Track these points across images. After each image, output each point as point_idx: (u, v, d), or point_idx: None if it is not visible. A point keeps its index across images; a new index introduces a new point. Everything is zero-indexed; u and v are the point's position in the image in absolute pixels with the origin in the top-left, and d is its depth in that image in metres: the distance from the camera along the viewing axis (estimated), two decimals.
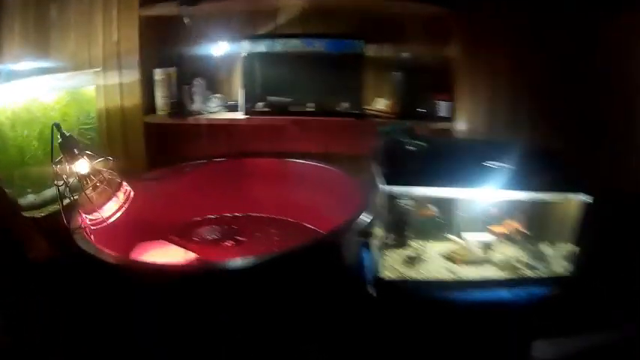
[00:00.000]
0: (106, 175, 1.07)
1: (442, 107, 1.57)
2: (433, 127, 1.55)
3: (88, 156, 1.06)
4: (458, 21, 1.51)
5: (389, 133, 1.30)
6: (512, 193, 1.04)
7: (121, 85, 1.61)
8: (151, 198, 1.43)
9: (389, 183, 1.04)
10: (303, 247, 1.04)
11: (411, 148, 1.19)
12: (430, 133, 1.53)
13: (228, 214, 1.62)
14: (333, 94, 1.58)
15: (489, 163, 1.06)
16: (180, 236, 1.45)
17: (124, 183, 1.13)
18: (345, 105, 1.57)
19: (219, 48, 1.66)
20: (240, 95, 1.62)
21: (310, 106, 1.58)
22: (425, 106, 1.58)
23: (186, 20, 1.57)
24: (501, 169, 1.04)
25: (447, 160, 1.15)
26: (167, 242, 1.39)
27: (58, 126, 1.03)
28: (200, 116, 1.62)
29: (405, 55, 1.61)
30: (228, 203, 1.62)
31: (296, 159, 1.60)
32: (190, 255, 1.31)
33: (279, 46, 1.56)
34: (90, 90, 1.54)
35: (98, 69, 1.57)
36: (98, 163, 1.07)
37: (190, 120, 1.60)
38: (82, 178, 1.04)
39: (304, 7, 1.66)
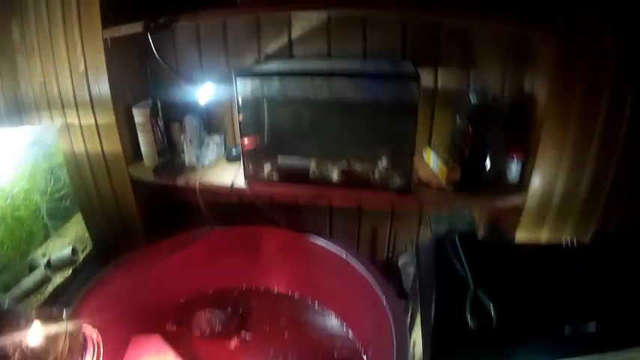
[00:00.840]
0: (65, 343, 0.84)
1: (513, 168, 1.16)
2: (500, 205, 1.15)
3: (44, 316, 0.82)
4: (546, 44, 1.03)
5: (442, 238, 0.92)
6: None
7: (96, 127, 1.28)
8: (145, 275, 1.21)
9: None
10: None
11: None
12: (496, 217, 1.15)
13: (235, 288, 1.39)
14: (369, 158, 1.17)
15: None
16: (179, 324, 1.25)
17: (91, 336, 0.90)
18: (383, 172, 1.17)
19: (208, 88, 1.26)
20: (239, 152, 1.24)
21: (336, 175, 1.20)
22: (493, 167, 1.16)
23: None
24: None
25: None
26: (162, 341, 1.20)
27: None
28: (193, 174, 1.28)
29: (473, 90, 1.15)
30: (234, 275, 1.38)
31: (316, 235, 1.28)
32: None
33: (293, 87, 1.13)
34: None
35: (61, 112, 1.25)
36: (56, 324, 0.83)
37: (180, 181, 1.28)
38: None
39: (329, 18, 1.19)
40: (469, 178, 1.14)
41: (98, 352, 0.90)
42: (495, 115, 1.11)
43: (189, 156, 1.29)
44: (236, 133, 1.40)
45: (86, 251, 1.38)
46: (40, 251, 1.26)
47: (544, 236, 1.15)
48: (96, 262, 1.36)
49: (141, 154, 1.35)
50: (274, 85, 1.14)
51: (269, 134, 1.23)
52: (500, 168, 1.17)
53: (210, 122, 1.40)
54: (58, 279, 1.24)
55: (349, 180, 1.19)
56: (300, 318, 1.29)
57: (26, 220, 1.18)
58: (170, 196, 1.43)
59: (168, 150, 1.36)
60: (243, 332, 1.22)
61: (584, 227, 1.11)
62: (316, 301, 1.32)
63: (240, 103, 1.15)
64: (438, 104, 1.13)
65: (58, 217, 1.34)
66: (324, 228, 1.50)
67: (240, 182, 1.22)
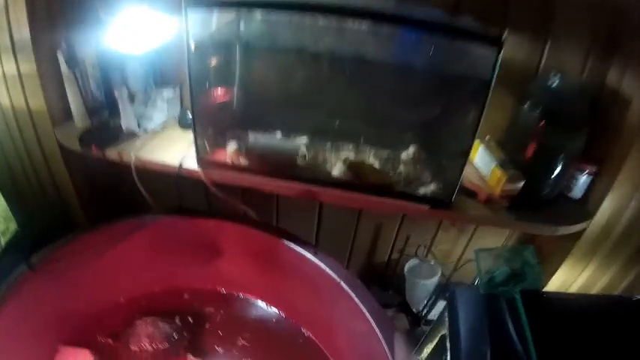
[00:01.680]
0: None
1: (580, 183, 0.82)
2: (564, 231, 0.83)
3: None
4: None
5: (497, 293, 0.60)
6: None
7: (19, 76, 0.92)
8: (73, 275, 0.93)
9: None
10: None
11: None
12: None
13: (187, 289, 1.09)
14: (393, 150, 0.85)
15: None
16: (115, 338, 0.97)
17: None
18: (411, 172, 0.83)
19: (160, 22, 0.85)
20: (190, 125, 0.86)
21: (339, 168, 0.85)
22: (560, 180, 0.84)
23: None
24: None
25: None
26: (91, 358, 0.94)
27: None
28: (130, 144, 0.92)
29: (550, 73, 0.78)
30: (187, 274, 1.07)
31: (293, 239, 0.95)
32: None
33: (283, 28, 0.76)
34: None
35: None
36: None
37: (111, 153, 0.93)
38: None
39: None
40: (529, 192, 0.82)
41: None
42: (580, 111, 0.75)
43: (125, 118, 0.93)
44: None
45: (9, 234, 1.09)
46: None
47: (587, 273, 0.94)
48: (23, 246, 1.07)
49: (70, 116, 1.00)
50: (252, 24, 0.75)
51: (238, 97, 0.86)
52: (566, 181, 0.84)
53: (163, 71, 1.01)
54: None
55: (358, 178, 0.83)
56: (267, 334, 1.01)
57: None
58: (113, 169, 1.10)
59: (107, 109, 1.00)
60: (190, 357, 0.95)
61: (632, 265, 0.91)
62: (286, 315, 1.04)
63: (193, 48, 0.77)
64: (498, 82, 0.74)
65: None
66: (310, 221, 1.17)
67: (193, 163, 0.87)
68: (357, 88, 0.86)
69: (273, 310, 1.05)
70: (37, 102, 0.95)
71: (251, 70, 0.87)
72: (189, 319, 1.01)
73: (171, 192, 0.94)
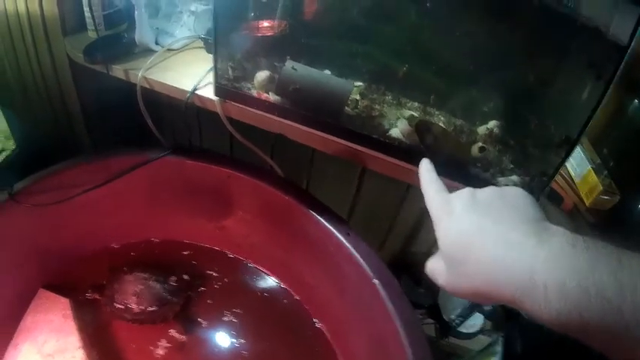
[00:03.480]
0: None
1: None
2: None
3: None
4: None
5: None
6: None
7: None
8: (59, 208, 0.77)
9: None
10: None
11: None
12: None
13: (188, 246, 0.92)
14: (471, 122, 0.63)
15: None
16: (100, 291, 0.82)
17: None
18: (493, 155, 0.62)
19: None
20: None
21: (403, 131, 0.64)
22: None
23: None
24: None
25: None
26: (69, 313, 0.80)
27: None
28: (141, 62, 0.74)
29: None
30: (190, 227, 0.90)
31: (323, 211, 0.74)
32: None
33: None
34: None
35: None
36: None
37: (116, 70, 0.74)
38: None
39: None
40: (622, 211, 0.62)
41: None
42: None
43: (140, 30, 0.74)
44: None
45: (5, 153, 0.96)
46: None
47: None
48: (19, 166, 0.94)
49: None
50: None
51: (281, 12, 0.65)
52: None
53: None
54: None
55: (424, 144, 0.62)
56: (272, 315, 0.83)
57: None
58: (124, 91, 0.93)
59: (126, 22, 0.82)
60: (176, 328, 0.79)
61: None
62: (299, 298, 0.85)
63: None
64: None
65: None
66: (346, 190, 0.97)
67: (210, 93, 0.68)
68: (439, 28, 0.63)
69: (284, 288, 0.87)
70: (51, 8, 0.80)
71: None
72: (186, 278, 0.85)
73: (177, 126, 0.76)
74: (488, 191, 0.37)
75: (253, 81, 0.65)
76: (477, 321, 0.96)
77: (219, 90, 0.65)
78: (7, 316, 0.77)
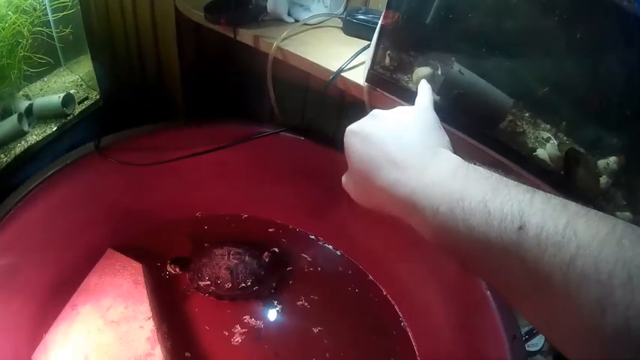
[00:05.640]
0: None
1: None
2: None
3: None
4: None
5: None
6: None
7: None
8: (153, 170, 0.73)
9: None
10: None
11: None
12: None
13: (280, 226, 0.88)
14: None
15: None
16: (182, 265, 0.78)
17: None
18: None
19: None
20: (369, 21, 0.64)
21: (552, 154, 0.62)
22: None
23: None
24: None
25: None
26: (141, 278, 0.75)
27: None
28: (272, 31, 0.69)
29: None
30: (286, 209, 0.87)
31: None
32: None
33: None
34: None
35: None
36: None
37: (245, 36, 0.69)
38: None
39: None
40: None
41: None
42: None
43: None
44: None
45: (88, 102, 0.88)
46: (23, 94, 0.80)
47: None
48: (101, 119, 0.88)
49: None
50: None
51: (453, 17, 0.62)
52: None
53: None
54: (35, 136, 0.78)
55: (568, 172, 0.61)
56: (358, 308, 0.81)
57: None
58: (233, 58, 0.86)
59: None
60: (263, 306, 0.76)
61: None
62: (394, 301, 0.83)
63: None
64: None
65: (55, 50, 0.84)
66: None
67: (357, 77, 0.64)
68: (584, 61, 0.61)
69: (374, 283, 0.83)
70: None
71: None
72: (279, 255, 0.82)
73: (297, 106, 0.72)
74: (399, 114, 0.41)
75: (411, 74, 0.61)
76: (539, 341, 0.97)
77: (372, 77, 0.61)
78: (66, 272, 0.73)
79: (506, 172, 0.35)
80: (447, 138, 0.40)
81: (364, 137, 0.39)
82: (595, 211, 0.27)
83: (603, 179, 0.65)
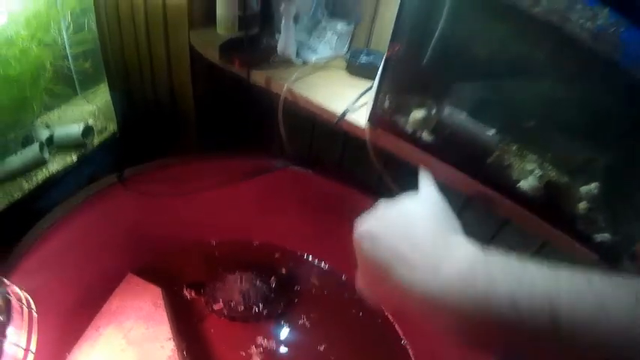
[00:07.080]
0: None
1: None
2: None
3: None
4: None
5: None
6: None
7: None
8: (171, 201, 0.79)
9: None
10: None
11: None
12: None
13: (288, 252, 0.95)
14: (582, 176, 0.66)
15: None
16: (197, 290, 0.84)
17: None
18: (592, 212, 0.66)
19: None
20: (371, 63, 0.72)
21: (532, 181, 0.69)
22: None
23: None
24: None
25: None
26: (160, 302, 0.80)
27: None
28: (282, 72, 0.76)
29: None
30: (294, 236, 0.93)
31: None
32: None
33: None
34: None
35: None
36: None
37: (257, 77, 0.77)
38: None
39: None
40: None
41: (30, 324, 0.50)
42: None
43: (285, 41, 0.77)
44: (378, 28, 0.83)
45: (106, 133, 0.95)
46: (41, 122, 0.86)
47: None
48: (117, 150, 0.94)
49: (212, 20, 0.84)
50: None
51: (447, 59, 0.69)
52: None
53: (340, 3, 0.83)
54: (56, 165, 0.84)
55: (548, 201, 0.67)
56: (362, 336, 0.86)
57: (20, 82, 0.75)
58: (243, 95, 0.93)
59: (260, 22, 0.83)
60: (275, 327, 0.82)
61: None
62: (401, 330, 0.88)
63: None
64: None
65: (73, 81, 0.91)
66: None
67: (359, 118, 0.71)
68: (572, 96, 0.68)
69: (381, 311, 0.87)
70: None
71: (463, 29, 0.69)
72: (286, 279, 0.88)
73: (305, 139, 0.79)
74: (405, 205, 0.40)
75: (408, 116, 0.68)
76: None
77: (374, 118, 0.69)
78: (88, 296, 0.77)
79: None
80: (457, 222, 0.39)
81: (373, 239, 0.38)
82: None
83: (583, 204, 0.72)
